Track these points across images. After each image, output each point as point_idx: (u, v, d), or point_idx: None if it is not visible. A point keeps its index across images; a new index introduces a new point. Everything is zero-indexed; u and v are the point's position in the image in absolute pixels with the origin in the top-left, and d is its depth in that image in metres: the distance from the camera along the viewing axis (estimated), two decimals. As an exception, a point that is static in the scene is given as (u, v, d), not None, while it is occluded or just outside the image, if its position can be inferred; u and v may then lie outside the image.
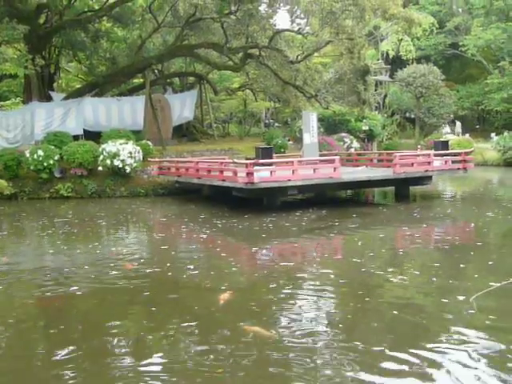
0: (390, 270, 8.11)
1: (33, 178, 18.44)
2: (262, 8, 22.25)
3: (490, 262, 8.45)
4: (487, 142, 31.46)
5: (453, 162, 16.51)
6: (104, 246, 10.77)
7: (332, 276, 7.95)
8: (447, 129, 37.24)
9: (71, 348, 5.27)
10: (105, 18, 24.80)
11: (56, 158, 18.27)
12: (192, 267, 8.53)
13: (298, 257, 9.68)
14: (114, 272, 8.28)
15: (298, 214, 13.53)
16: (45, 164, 17.96)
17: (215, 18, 21.54)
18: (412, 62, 38.09)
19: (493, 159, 28.28)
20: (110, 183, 18.50)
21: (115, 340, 5.48)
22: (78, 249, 10.49)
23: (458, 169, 16.59)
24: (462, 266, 8.38)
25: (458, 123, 37.56)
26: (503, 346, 5.09)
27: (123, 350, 5.27)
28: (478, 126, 46.76)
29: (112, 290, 7.47)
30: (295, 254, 9.92)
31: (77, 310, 6.83)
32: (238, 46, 24.50)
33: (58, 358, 5.08)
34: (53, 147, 18.58)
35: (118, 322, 6.07)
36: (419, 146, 28.84)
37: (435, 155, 16.34)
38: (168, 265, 8.85)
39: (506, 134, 29.02)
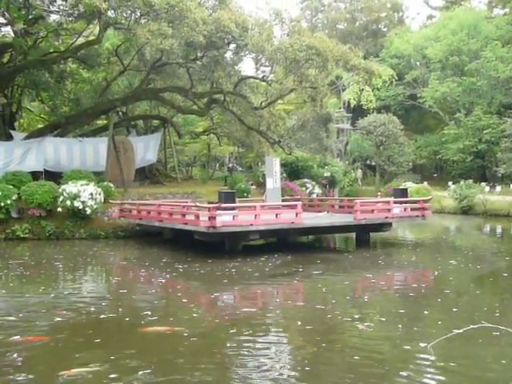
0: (356, 316, 8.05)
1: (-12, 217, 17.84)
2: (228, 55, 22.62)
3: (455, 309, 8.49)
4: (444, 190, 32.26)
5: (412, 209, 16.81)
6: (57, 290, 10.39)
7: (298, 322, 7.82)
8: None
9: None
10: (70, 59, 24.73)
11: (14, 197, 17.79)
12: (150, 313, 8.27)
13: (261, 303, 9.53)
14: (59, 318, 7.90)
15: (262, 259, 13.40)
16: (1, 204, 17.43)
17: (181, 63, 21.76)
18: (372, 112, 39.18)
19: (450, 207, 28.94)
20: (69, 225, 18.05)
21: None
22: (28, 293, 10.08)
23: (417, 216, 16.88)
24: (426, 312, 8.40)
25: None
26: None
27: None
28: (435, 175, 48.16)
29: (60, 338, 7.06)
30: (257, 299, 9.77)
31: (21, 358, 6.24)
32: (203, 91, 24.77)
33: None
34: (11, 187, 18.11)
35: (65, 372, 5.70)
36: (379, 193, 29.29)
37: (395, 202, 16.60)
38: (125, 310, 8.56)
39: (462, 182, 29.85)
